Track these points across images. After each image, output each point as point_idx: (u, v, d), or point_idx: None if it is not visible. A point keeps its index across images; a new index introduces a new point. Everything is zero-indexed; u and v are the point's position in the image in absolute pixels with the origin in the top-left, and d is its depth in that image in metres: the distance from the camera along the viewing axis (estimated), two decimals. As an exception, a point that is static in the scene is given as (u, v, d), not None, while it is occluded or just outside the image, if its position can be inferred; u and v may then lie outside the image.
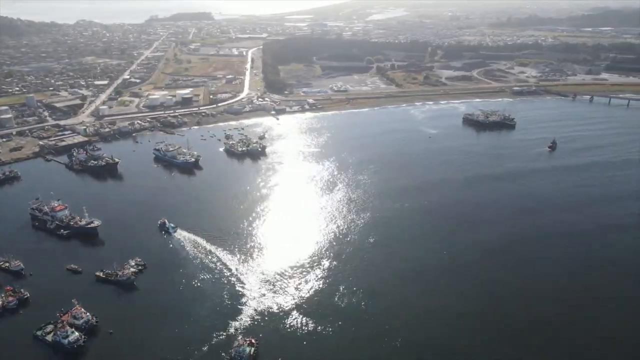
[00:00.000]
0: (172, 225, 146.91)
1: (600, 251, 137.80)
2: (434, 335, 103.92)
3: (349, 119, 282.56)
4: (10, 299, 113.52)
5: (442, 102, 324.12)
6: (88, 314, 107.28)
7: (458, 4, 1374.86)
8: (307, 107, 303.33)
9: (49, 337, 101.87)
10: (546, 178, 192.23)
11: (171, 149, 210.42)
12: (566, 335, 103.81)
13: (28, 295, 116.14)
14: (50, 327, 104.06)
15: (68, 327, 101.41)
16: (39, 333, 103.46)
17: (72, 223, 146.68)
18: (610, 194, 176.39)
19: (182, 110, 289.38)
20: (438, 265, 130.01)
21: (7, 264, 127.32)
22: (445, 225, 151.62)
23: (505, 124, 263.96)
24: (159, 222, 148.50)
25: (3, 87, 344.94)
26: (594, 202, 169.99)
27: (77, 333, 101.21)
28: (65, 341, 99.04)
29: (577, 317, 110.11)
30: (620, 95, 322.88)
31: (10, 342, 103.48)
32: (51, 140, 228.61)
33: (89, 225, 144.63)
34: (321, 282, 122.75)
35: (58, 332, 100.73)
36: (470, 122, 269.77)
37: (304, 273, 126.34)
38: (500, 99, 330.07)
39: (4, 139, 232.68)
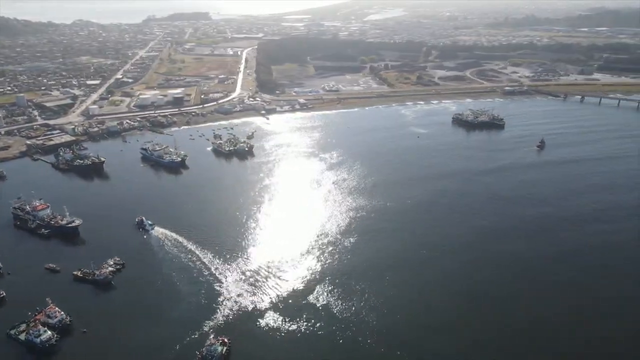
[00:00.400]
0: (150, 222, 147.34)
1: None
2: (413, 336, 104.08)
3: (339, 119, 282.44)
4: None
5: (433, 102, 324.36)
6: (62, 313, 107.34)
7: (457, 4, 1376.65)
8: (297, 106, 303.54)
9: (22, 336, 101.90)
10: (535, 175, 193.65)
11: (158, 148, 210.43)
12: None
13: (4, 294, 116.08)
14: (23, 326, 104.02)
15: (40, 326, 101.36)
16: (12, 332, 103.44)
17: (53, 222, 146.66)
18: (599, 188, 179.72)
19: (173, 110, 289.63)
20: (423, 263, 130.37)
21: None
22: (430, 222, 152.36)
23: (494, 124, 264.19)
24: (136, 220, 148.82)
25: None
26: (582, 195, 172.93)
27: (49, 332, 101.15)
28: (37, 340, 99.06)
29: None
30: (611, 95, 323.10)
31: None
32: (39, 140, 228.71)
33: (69, 225, 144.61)
34: (299, 281, 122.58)
35: (30, 331, 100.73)
36: (460, 122, 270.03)
37: (283, 272, 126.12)
38: (491, 99, 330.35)
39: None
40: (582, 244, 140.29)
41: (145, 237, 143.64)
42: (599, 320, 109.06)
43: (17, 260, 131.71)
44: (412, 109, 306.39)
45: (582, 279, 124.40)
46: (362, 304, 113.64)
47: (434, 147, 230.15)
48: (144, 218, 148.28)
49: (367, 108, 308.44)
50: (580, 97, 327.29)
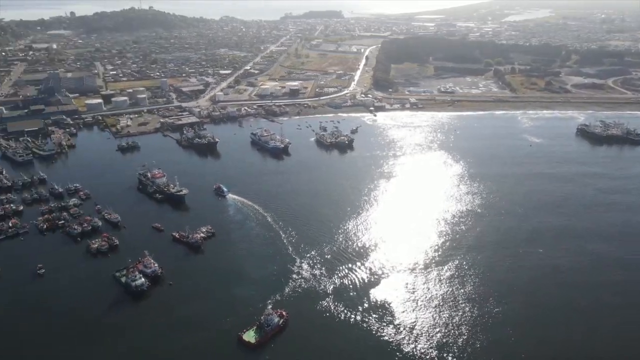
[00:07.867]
0: (226, 189, 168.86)
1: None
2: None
3: (446, 121, 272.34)
4: (104, 243, 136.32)
5: (559, 111, 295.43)
6: (156, 264, 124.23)
7: (613, 5, 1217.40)
8: (407, 105, 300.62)
9: (123, 279, 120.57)
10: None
11: (265, 134, 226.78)
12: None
13: (117, 242, 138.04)
14: (125, 271, 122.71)
15: (137, 273, 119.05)
16: (117, 274, 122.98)
17: (165, 189, 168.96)
18: None
19: (287, 101, 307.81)
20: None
21: (109, 215, 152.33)
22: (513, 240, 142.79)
23: (628, 139, 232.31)
24: (214, 187, 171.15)
25: (148, 71, 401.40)
26: None
27: (143, 279, 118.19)
28: (133, 284, 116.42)
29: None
30: None
31: (96, 277, 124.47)
32: (170, 119, 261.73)
33: (178, 193, 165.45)
34: (369, 274, 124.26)
35: (129, 276, 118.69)
36: (585, 133, 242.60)
37: (356, 262, 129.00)
38: (633, 112, 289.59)
39: (136, 115, 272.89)
40: None
41: (220, 200, 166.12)
42: None
43: (133, 218, 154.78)
44: (532, 116, 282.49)
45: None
46: (423, 309, 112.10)
47: (545, 158, 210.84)
48: (221, 185, 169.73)
49: (480, 112, 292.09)
50: None
